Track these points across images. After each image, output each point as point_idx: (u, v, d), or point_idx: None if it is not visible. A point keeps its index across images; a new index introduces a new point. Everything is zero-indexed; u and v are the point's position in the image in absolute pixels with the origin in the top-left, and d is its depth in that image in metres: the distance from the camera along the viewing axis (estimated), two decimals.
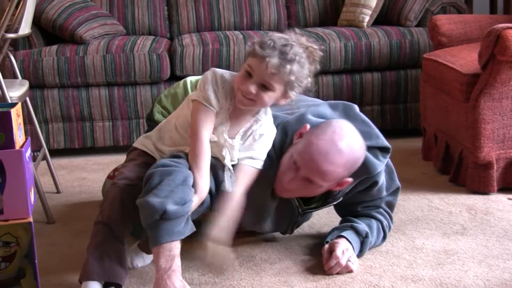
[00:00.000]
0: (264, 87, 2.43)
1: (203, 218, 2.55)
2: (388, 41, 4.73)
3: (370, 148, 2.71)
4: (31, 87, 4.32)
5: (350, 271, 2.67)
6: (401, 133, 4.71)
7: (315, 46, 2.53)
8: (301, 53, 2.45)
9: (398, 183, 2.96)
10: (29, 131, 4.32)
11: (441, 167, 3.93)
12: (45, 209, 3.32)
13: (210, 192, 2.51)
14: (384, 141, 2.78)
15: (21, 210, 2.32)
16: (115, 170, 3.49)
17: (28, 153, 2.37)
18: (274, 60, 2.38)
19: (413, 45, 4.75)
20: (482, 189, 3.56)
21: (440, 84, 3.91)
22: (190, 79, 3.21)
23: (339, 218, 3.05)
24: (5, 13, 3.24)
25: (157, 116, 3.16)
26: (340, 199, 2.79)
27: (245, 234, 3.04)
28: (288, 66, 2.40)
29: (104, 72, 4.53)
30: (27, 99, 3.70)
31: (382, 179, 2.84)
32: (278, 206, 2.77)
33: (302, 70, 2.46)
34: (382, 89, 4.74)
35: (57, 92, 4.57)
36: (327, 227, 3.14)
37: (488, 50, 3.40)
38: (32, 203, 2.42)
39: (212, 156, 2.51)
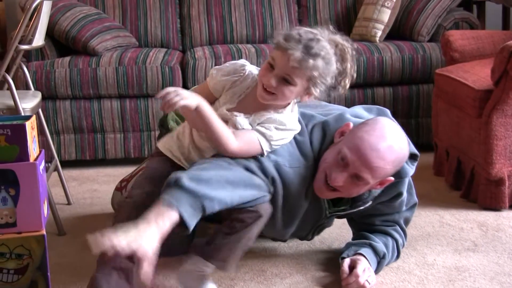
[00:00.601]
0: (286, 80, 2.38)
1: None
2: (400, 56, 4.73)
3: None
4: (43, 98, 4.33)
5: None
6: None
7: (348, 45, 2.47)
8: (328, 49, 2.39)
9: (416, 198, 2.95)
10: (41, 142, 4.32)
11: (452, 183, 3.92)
12: (56, 220, 3.33)
13: None
14: (413, 148, 2.75)
15: (34, 223, 2.33)
16: (123, 181, 3.50)
17: (42, 165, 2.38)
18: (297, 54, 2.33)
19: (425, 60, 4.75)
20: (493, 206, 3.55)
21: (452, 100, 3.91)
22: None
23: (350, 233, 3.04)
24: (19, 25, 3.26)
25: (171, 123, 3.16)
26: (369, 203, 2.75)
27: (256, 248, 3.04)
28: (311, 61, 2.34)
29: (116, 84, 4.54)
30: (39, 110, 3.71)
31: (405, 191, 2.84)
32: (308, 209, 2.73)
33: (328, 67, 2.39)
34: (394, 104, 4.74)
35: (69, 104, 4.58)
36: (338, 242, 3.13)
37: (501, 66, 3.39)
38: (46, 216, 2.42)
39: None
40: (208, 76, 2.60)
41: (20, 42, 3.37)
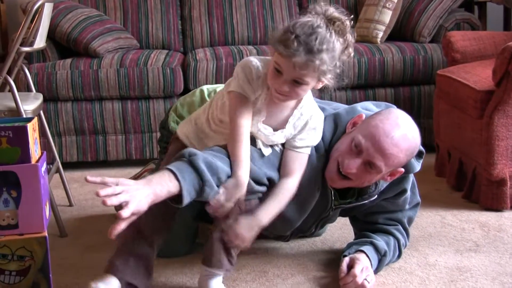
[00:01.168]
0: (297, 82, 2.36)
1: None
2: (401, 57, 4.73)
3: None
4: (44, 100, 4.34)
5: None
6: None
7: (343, 16, 2.40)
8: (328, 37, 2.32)
9: (418, 198, 2.96)
10: (43, 144, 4.32)
11: (454, 184, 3.92)
12: (57, 222, 3.33)
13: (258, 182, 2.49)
14: (420, 145, 2.77)
15: (36, 225, 2.33)
16: None
17: (43, 167, 2.38)
18: (301, 58, 2.28)
19: (426, 61, 4.75)
20: (495, 206, 3.54)
21: (454, 101, 3.91)
22: (206, 87, 3.21)
23: (352, 234, 3.04)
24: (21, 27, 3.26)
25: (172, 125, 3.16)
26: (375, 197, 2.76)
27: (258, 249, 3.05)
28: (317, 60, 2.29)
29: (117, 86, 4.54)
30: (41, 112, 3.71)
31: (409, 189, 2.85)
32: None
33: (333, 54, 2.34)
34: (396, 105, 4.72)
35: (70, 105, 4.59)
36: (339, 242, 3.14)
37: (503, 67, 3.39)
38: (47, 218, 2.42)
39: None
40: (244, 100, 2.50)
41: (22, 44, 3.38)
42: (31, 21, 3.34)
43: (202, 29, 5.23)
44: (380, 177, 2.62)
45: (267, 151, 2.55)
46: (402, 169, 2.63)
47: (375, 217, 2.92)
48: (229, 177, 2.41)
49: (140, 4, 5.24)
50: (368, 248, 2.77)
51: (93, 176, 2.20)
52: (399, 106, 2.65)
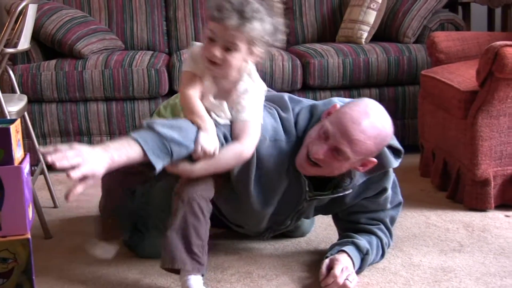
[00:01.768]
0: (228, 49, 2.49)
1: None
2: (386, 58, 4.74)
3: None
4: (29, 101, 4.32)
5: None
6: None
7: None
8: (259, 9, 2.49)
9: (400, 197, 2.97)
10: (27, 145, 4.32)
11: (439, 184, 3.93)
12: (42, 224, 3.32)
13: None
14: (397, 143, 2.78)
15: (19, 227, 2.33)
16: None
17: (27, 169, 2.38)
18: (233, 21, 2.44)
19: (411, 61, 4.76)
20: (479, 206, 3.56)
21: (438, 101, 3.92)
22: None
23: (336, 235, 3.04)
24: (5, 28, 3.25)
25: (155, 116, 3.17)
26: (350, 191, 2.76)
27: (242, 250, 3.05)
28: (248, 24, 2.45)
29: (102, 87, 4.54)
30: (26, 113, 3.70)
31: (390, 188, 2.86)
32: (287, 189, 2.74)
33: (264, 25, 2.50)
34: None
35: (55, 107, 4.58)
36: (324, 243, 3.14)
37: (486, 67, 3.41)
38: (31, 219, 2.42)
39: None
40: (192, 76, 2.64)
41: (6, 45, 3.36)
42: (15, 22, 3.33)
43: (187, 30, 5.23)
44: (350, 165, 2.61)
45: (221, 121, 2.61)
46: (375, 160, 2.63)
47: (357, 217, 2.93)
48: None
49: (125, 5, 5.24)
50: (349, 248, 2.78)
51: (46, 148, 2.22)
52: (384, 106, 2.65)
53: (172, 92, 4.59)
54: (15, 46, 3.46)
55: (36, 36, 4.62)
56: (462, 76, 3.75)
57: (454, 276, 2.77)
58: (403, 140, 4.74)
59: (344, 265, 2.69)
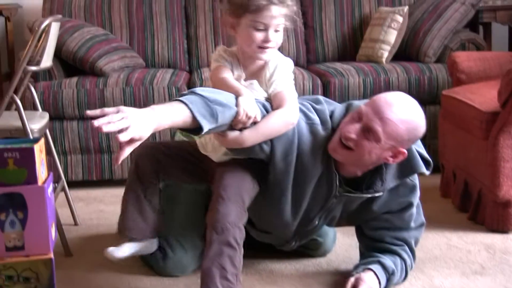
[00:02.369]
0: (276, 31, 2.64)
1: None
2: (407, 77, 4.73)
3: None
4: (50, 118, 4.33)
5: None
6: None
7: None
8: None
9: (423, 218, 2.97)
10: (48, 162, 4.31)
11: (460, 205, 3.91)
12: (62, 241, 3.33)
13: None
14: (427, 154, 2.83)
15: (42, 246, 2.33)
16: None
17: (50, 189, 2.39)
18: (277, 6, 2.60)
19: (432, 81, 4.75)
20: (501, 228, 3.54)
21: (459, 121, 3.91)
22: None
23: (357, 255, 3.03)
24: (28, 46, 3.27)
25: (178, 134, 3.19)
26: (380, 194, 2.76)
27: (262, 270, 3.04)
28: (287, 4, 2.64)
29: (123, 105, 4.52)
30: (47, 130, 3.72)
31: (415, 205, 2.87)
32: (318, 182, 2.75)
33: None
34: None
35: (76, 124, 4.59)
36: (345, 264, 3.13)
37: (508, 88, 3.39)
38: (53, 239, 2.43)
39: None
40: (222, 67, 2.73)
41: (28, 63, 3.38)
42: (38, 40, 3.35)
43: (208, 48, 5.25)
44: (381, 151, 2.62)
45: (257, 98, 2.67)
46: (405, 151, 2.65)
47: (382, 234, 2.92)
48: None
49: (146, 23, 5.26)
50: (376, 267, 2.77)
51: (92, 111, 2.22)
52: None
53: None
54: (38, 64, 3.47)
55: (58, 53, 4.63)
56: (484, 97, 3.74)
57: None
58: None
59: (369, 285, 2.68)
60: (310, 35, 5.36)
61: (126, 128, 2.18)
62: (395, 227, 2.91)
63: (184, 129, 2.46)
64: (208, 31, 5.28)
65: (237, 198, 2.60)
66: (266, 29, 2.61)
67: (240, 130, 2.54)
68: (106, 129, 2.14)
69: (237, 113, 2.48)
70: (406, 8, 5.02)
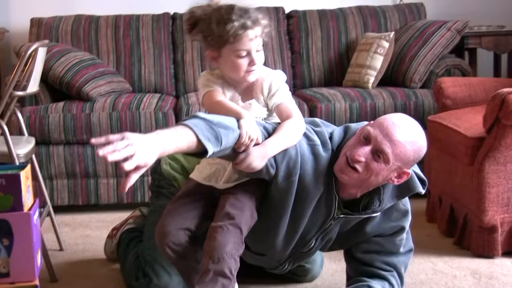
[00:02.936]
0: (257, 51, 2.67)
1: None
2: (393, 102, 4.75)
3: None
4: (36, 143, 4.33)
5: None
6: None
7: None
8: (251, 9, 2.67)
9: (412, 244, 2.98)
10: (34, 187, 4.31)
11: (445, 230, 3.92)
12: (48, 266, 3.31)
13: None
14: (421, 173, 2.83)
15: (27, 273, 2.33)
16: (114, 229, 3.53)
17: (36, 215, 2.38)
18: (253, 29, 2.63)
19: (418, 106, 4.77)
20: (486, 253, 3.54)
21: (445, 147, 3.92)
22: None
23: (344, 280, 3.02)
24: (14, 71, 3.28)
25: (165, 167, 3.16)
26: (377, 214, 2.77)
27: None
28: (261, 23, 2.67)
29: (110, 130, 4.55)
30: (33, 155, 3.71)
31: (407, 229, 2.88)
32: (318, 204, 2.74)
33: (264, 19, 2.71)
34: None
35: (62, 149, 4.58)
36: None
37: (493, 114, 3.42)
38: (39, 266, 2.42)
39: None
40: (214, 91, 2.73)
41: (15, 88, 3.38)
42: (25, 65, 3.35)
43: (194, 73, 5.25)
44: (388, 172, 2.62)
45: (256, 119, 2.68)
46: (409, 171, 2.66)
47: (372, 258, 2.91)
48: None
49: (133, 48, 5.27)
50: None
51: (97, 138, 2.22)
52: None
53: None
54: (24, 89, 3.47)
55: (44, 78, 4.63)
56: (469, 122, 3.76)
57: None
58: None
59: None
60: (297, 60, 5.38)
61: (131, 156, 2.18)
62: (385, 251, 2.90)
63: (188, 154, 2.45)
64: (195, 57, 5.30)
65: (236, 229, 2.59)
66: (249, 53, 2.64)
67: (243, 151, 2.55)
68: (111, 158, 2.14)
69: (239, 136, 2.49)
70: (392, 34, 5.05)
